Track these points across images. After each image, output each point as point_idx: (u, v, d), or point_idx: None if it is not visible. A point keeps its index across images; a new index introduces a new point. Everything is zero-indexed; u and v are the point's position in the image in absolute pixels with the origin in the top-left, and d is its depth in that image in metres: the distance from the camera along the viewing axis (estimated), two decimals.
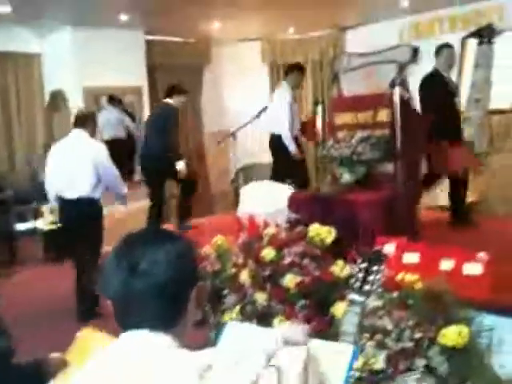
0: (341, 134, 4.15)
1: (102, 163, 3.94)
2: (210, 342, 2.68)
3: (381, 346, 2.33)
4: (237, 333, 1.59)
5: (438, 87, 4.68)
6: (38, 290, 4.93)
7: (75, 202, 3.89)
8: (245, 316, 2.81)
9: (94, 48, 6.11)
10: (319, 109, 4.83)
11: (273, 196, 4.37)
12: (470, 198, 5.61)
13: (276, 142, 5.40)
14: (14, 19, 5.42)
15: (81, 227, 3.87)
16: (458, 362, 2.31)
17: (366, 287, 1.46)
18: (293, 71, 5.52)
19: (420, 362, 2.29)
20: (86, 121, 4.05)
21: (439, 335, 2.27)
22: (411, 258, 3.01)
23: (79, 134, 3.97)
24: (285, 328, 1.31)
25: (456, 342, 2.24)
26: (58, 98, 6.41)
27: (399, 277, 2.59)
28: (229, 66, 7.54)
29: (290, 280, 2.79)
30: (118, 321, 1.17)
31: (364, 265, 1.49)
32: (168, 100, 5.41)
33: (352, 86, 6.48)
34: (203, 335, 2.78)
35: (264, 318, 2.73)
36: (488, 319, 2.63)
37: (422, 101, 4.65)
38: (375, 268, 1.47)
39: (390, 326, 2.33)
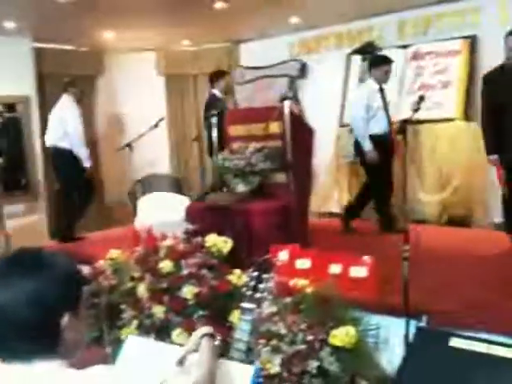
0: (235, 146, 4.25)
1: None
2: (109, 359, 2.63)
3: (276, 350, 2.42)
4: (136, 349, 1.60)
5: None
6: None
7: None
8: (143, 330, 2.79)
9: None
10: (214, 120, 4.91)
11: (170, 207, 4.37)
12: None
13: None
14: None
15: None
16: (348, 360, 2.46)
17: (258, 295, 1.54)
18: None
19: (313, 364, 2.41)
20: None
21: (329, 336, 2.41)
22: (303, 264, 3.16)
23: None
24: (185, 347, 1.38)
25: (345, 342, 2.38)
26: None
27: (292, 282, 2.71)
28: (123, 76, 7.41)
29: (188, 291, 2.82)
30: None
31: (255, 273, 1.56)
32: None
33: (247, 98, 6.66)
34: (101, 351, 2.73)
35: (163, 331, 2.72)
36: (374, 319, 2.83)
37: None
38: (265, 276, 1.55)
39: (283, 331, 2.43)
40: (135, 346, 1.63)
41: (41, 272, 1.16)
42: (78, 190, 5.64)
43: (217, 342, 1.54)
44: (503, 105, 3.78)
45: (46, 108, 6.51)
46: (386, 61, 4.89)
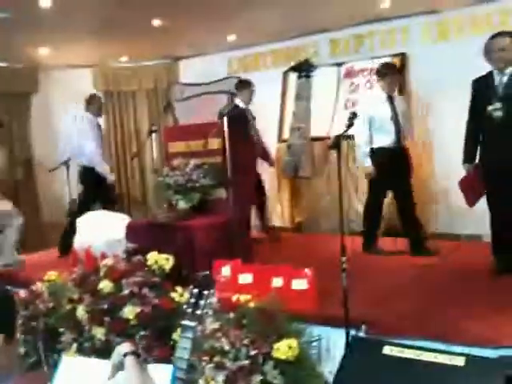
0: (175, 162, 4.25)
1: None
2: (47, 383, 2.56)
3: (220, 367, 2.42)
4: (70, 368, 1.58)
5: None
6: None
7: None
8: (83, 353, 2.72)
9: None
10: (153, 137, 4.88)
11: (110, 226, 4.29)
12: (298, 218, 6.10)
13: None
14: None
15: None
16: (291, 373, 2.49)
17: (199, 312, 1.54)
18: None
19: (256, 378, 2.43)
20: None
21: (273, 350, 2.43)
22: (245, 278, 3.18)
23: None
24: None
25: (287, 354, 2.41)
26: None
27: (234, 298, 2.73)
28: (59, 93, 7.24)
29: (129, 311, 2.78)
30: None
31: (195, 290, 1.56)
32: None
33: (186, 114, 6.66)
34: (41, 377, 2.65)
35: (103, 353, 2.67)
36: (316, 330, 2.88)
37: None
38: (206, 292, 1.55)
39: (227, 347, 2.44)
40: (69, 365, 1.61)
41: None
42: None
43: (140, 358, 1.54)
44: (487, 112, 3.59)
45: None
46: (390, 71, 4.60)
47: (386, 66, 4.72)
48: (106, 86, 7.41)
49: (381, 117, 4.45)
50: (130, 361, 1.51)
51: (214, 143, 4.20)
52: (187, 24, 5.47)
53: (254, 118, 5.43)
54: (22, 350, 2.86)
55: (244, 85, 5.41)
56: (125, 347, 1.53)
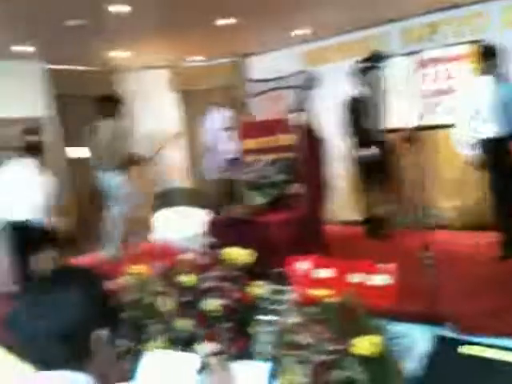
0: (249, 159, 4.30)
1: None
2: (131, 374, 2.66)
3: (302, 360, 2.43)
4: (154, 362, 1.62)
5: None
6: None
7: None
8: (168, 344, 2.81)
9: None
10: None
11: (187, 221, 4.40)
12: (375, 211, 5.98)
13: None
14: None
15: None
16: (373, 369, 2.46)
17: (276, 307, 1.55)
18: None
19: (339, 374, 2.42)
20: None
21: (354, 346, 2.41)
22: (322, 273, 3.16)
23: None
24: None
25: (370, 350, 2.39)
26: None
27: (312, 292, 2.72)
28: (136, 94, 7.51)
29: (210, 304, 2.83)
30: (30, 360, 1.21)
31: (272, 285, 1.58)
32: None
33: (257, 111, 6.71)
34: (125, 367, 2.74)
35: (189, 344, 2.74)
36: (398, 328, 2.83)
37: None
38: (282, 287, 1.56)
39: (307, 341, 2.44)
40: (153, 357, 1.66)
41: (81, 285, 1.23)
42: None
43: (224, 356, 1.52)
44: None
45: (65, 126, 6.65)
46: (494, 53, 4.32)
47: (488, 47, 4.41)
48: (180, 86, 7.59)
49: (485, 104, 4.10)
50: (213, 362, 1.51)
51: (286, 139, 4.21)
52: (256, 21, 5.51)
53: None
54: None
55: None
56: (208, 347, 1.53)
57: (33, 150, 4.47)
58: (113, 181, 5.45)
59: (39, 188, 4.58)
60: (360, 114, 5.40)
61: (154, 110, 7.46)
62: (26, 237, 4.56)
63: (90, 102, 6.08)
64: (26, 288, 1.24)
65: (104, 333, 1.23)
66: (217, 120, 5.81)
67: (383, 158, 5.32)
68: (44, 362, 1.18)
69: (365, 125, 5.48)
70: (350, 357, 2.42)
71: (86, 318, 1.19)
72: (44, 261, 4.59)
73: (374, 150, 5.31)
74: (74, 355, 1.18)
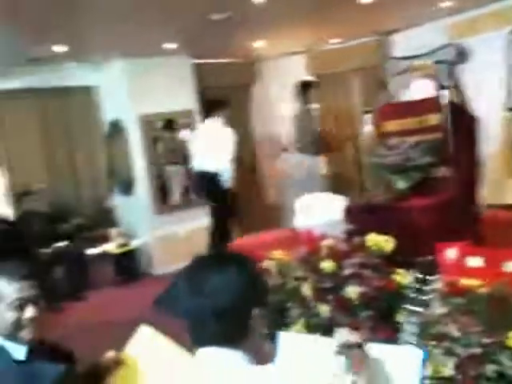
0: (392, 141, 4.14)
1: None
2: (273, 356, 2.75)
3: (449, 352, 2.32)
4: (292, 345, 1.64)
5: None
6: (111, 311, 5.15)
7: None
8: (309, 328, 2.86)
9: (145, 77, 6.35)
10: (366, 117, 4.84)
11: (328, 207, 4.39)
12: None
13: None
14: (71, 56, 5.73)
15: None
16: None
17: (424, 297, 1.49)
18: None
19: (490, 368, 2.27)
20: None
21: (508, 339, 2.24)
22: (474, 262, 2.96)
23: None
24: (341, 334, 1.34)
25: None
26: (115, 127, 6.71)
27: (462, 282, 2.57)
28: (275, 81, 7.66)
29: (352, 291, 2.82)
30: (190, 337, 1.28)
31: (419, 275, 1.51)
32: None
33: (400, 90, 6.44)
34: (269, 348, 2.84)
35: (329, 330, 2.76)
36: None
37: None
38: (430, 277, 1.49)
39: (456, 333, 2.32)
40: (291, 341, 1.66)
41: (238, 267, 1.28)
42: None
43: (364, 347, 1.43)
44: None
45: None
46: None
47: None
48: (318, 70, 7.56)
49: None
50: (356, 353, 1.44)
51: (433, 118, 3.98)
52: None
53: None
54: None
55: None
56: (348, 337, 1.43)
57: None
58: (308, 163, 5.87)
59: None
60: None
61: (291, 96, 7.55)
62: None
63: (233, 93, 6.34)
64: (192, 263, 1.33)
65: (259, 313, 1.28)
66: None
67: None
68: (201, 340, 1.26)
69: None
70: (503, 350, 2.26)
71: (242, 297, 1.24)
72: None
73: None
74: (229, 333, 1.24)
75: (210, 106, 6.07)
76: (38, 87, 6.80)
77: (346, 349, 1.29)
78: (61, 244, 5.87)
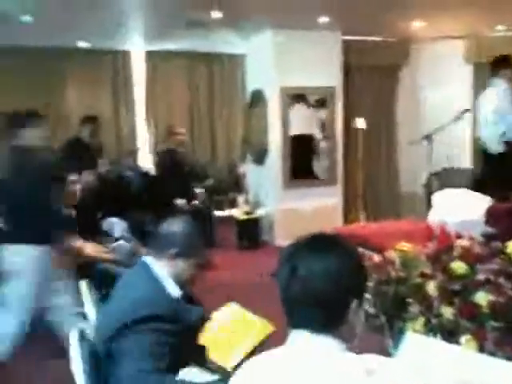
0: None
1: None
2: (387, 349, 2.64)
3: None
4: (417, 346, 1.55)
5: None
6: (233, 273, 5.34)
7: None
8: (429, 329, 2.71)
9: (293, 50, 6.36)
10: None
11: (468, 206, 4.10)
12: None
13: None
14: (224, 23, 5.89)
15: None
16: None
17: None
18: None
19: None
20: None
21: None
22: None
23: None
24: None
25: None
26: (257, 97, 6.82)
27: None
28: (428, 65, 7.25)
29: (481, 298, 2.61)
30: (286, 318, 1.26)
31: None
32: None
33: None
34: (380, 340, 2.75)
35: (449, 334, 2.60)
36: None
37: None
38: None
39: None
40: (415, 342, 1.58)
41: (345, 251, 1.26)
42: None
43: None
44: None
45: (349, 98, 6.90)
46: None
47: None
48: (478, 58, 7.00)
49: None
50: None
51: None
52: None
53: None
54: (371, 310, 3.02)
55: None
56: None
57: None
58: None
59: None
60: None
61: (443, 83, 7.11)
62: None
63: (380, 72, 6.08)
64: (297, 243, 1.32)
65: (358, 302, 1.25)
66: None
67: None
68: (296, 322, 1.25)
69: None
70: None
71: (343, 285, 1.21)
72: None
73: None
74: (326, 320, 1.22)
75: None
76: (191, 50, 7.12)
77: None
78: (194, 202, 6.17)
